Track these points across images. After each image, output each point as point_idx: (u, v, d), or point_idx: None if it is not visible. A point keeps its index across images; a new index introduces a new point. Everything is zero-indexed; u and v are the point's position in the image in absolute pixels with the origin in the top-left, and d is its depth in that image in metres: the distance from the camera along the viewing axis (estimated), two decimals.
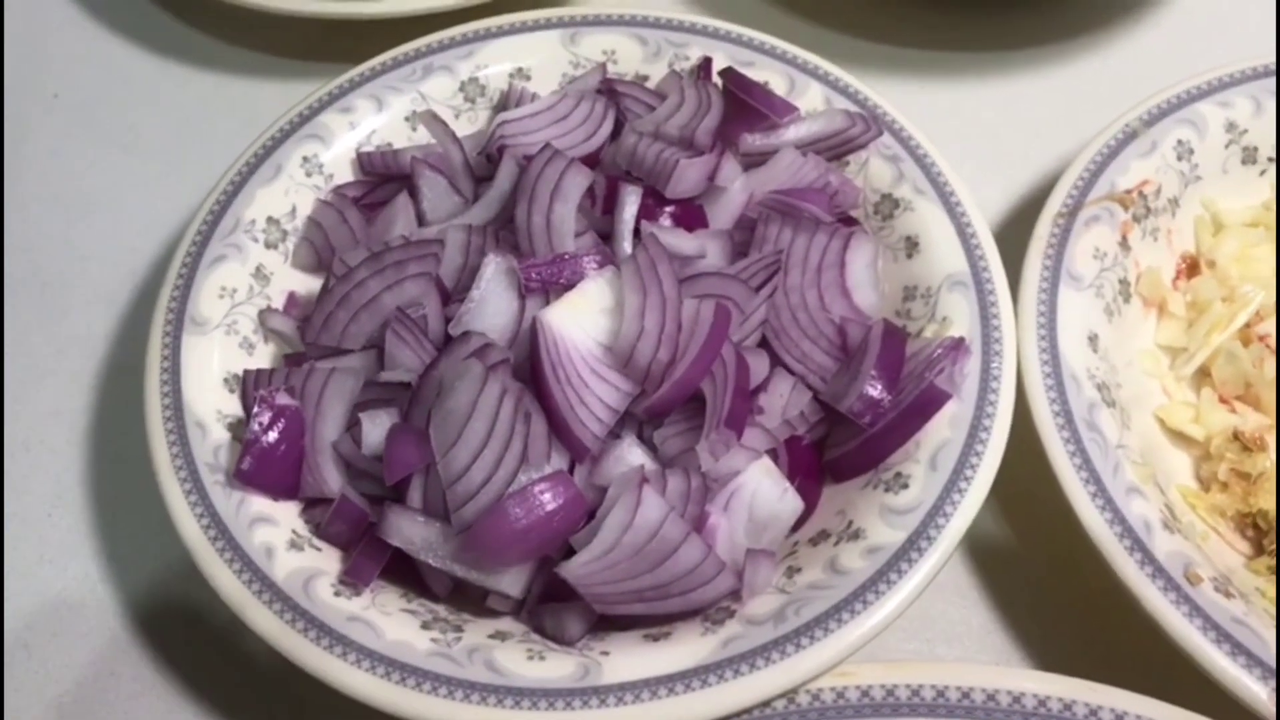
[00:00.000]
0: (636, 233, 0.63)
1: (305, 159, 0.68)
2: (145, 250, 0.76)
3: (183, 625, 0.62)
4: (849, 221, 0.66)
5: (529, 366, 0.57)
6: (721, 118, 0.67)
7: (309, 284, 0.67)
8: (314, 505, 0.59)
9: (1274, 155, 0.70)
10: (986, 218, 0.65)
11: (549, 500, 0.53)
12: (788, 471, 0.58)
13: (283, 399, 0.58)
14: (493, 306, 0.60)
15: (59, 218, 0.78)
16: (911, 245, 0.65)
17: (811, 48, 0.73)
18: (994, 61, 0.84)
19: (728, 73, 0.69)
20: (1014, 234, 0.67)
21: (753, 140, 0.67)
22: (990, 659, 0.61)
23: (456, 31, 0.73)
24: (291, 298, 0.66)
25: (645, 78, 0.73)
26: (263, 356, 0.63)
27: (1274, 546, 0.60)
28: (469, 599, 0.57)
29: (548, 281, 0.59)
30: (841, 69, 0.71)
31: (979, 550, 0.63)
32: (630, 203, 0.63)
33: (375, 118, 0.71)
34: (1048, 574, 0.63)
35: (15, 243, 0.77)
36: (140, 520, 0.65)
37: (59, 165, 0.81)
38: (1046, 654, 0.61)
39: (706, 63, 0.71)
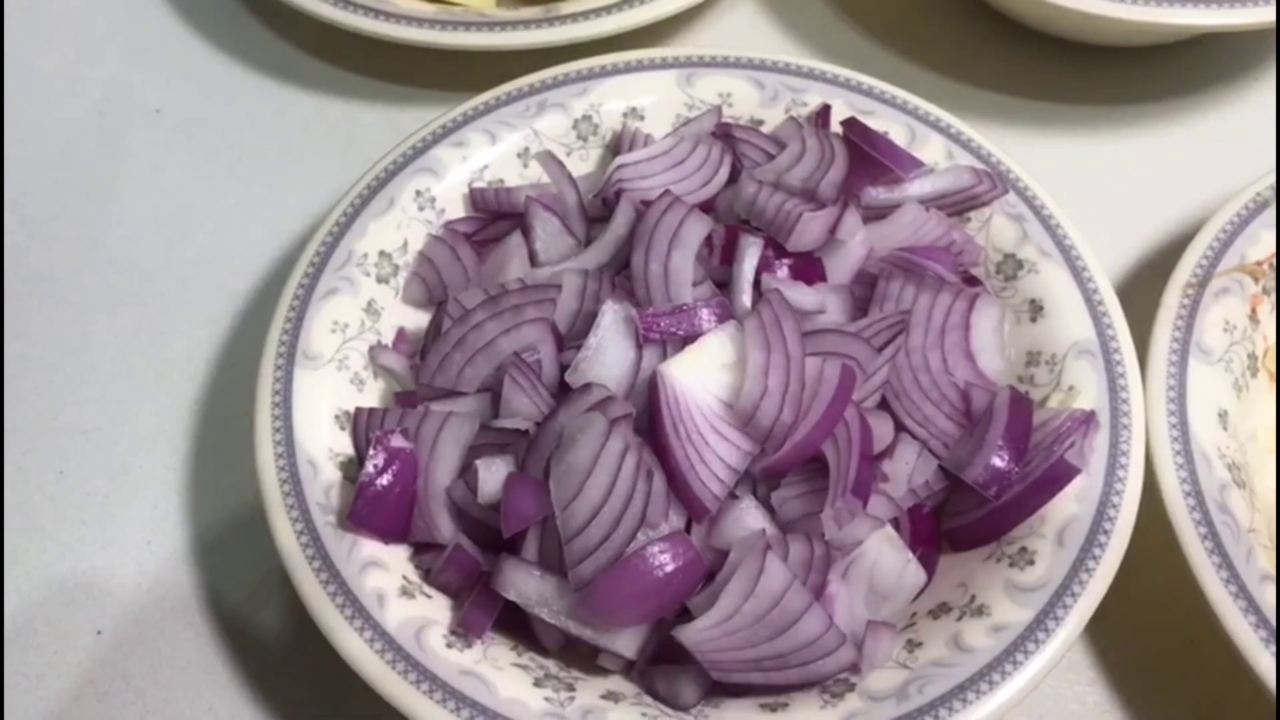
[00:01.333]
0: (756, 284, 0.61)
1: (418, 193, 0.68)
2: (246, 273, 0.75)
3: (283, 662, 0.61)
4: (971, 281, 0.65)
5: (647, 420, 0.56)
6: (846, 171, 0.65)
7: (417, 319, 0.66)
8: (422, 550, 0.58)
9: None
10: None
11: (668, 562, 0.52)
12: (910, 541, 0.56)
13: (398, 441, 0.57)
14: (610, 355, 0.59)
15: (160, 236, 0.78)
16: (1036, 309, 0.63)
17: (927, 94, 0.72)
18: (1107, 116, 0.83)
19: (851, 124, 0.68)
20: (1133, 298, 0.66)
21: (876, 194, 0.66)
22: None
23: (571, 68, 0.72)
24: (401, 333, 0.65)
25: (760, 122, 0.72)
26: (372, 393, 0.63)
27: None
28: (578, 654, 0.56)
29: (668, 333, 0.58)
30: (961, 120, 0.70)
31: (1095, 624, 0.61)
32: (751, 255, 0.62)
33: (487, 152, 0.70)
34: (1168, 653, 0.61)
35: (116, 260, 0.77)
36: (240, 551, 0.64)
37: (160, 182, 0.81)
38: None
39: (825, 110, 0.70)
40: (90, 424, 0.69)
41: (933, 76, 0.85)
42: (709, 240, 0.63)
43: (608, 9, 0.78)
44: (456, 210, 0.69)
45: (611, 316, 0.59)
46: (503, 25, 0.78)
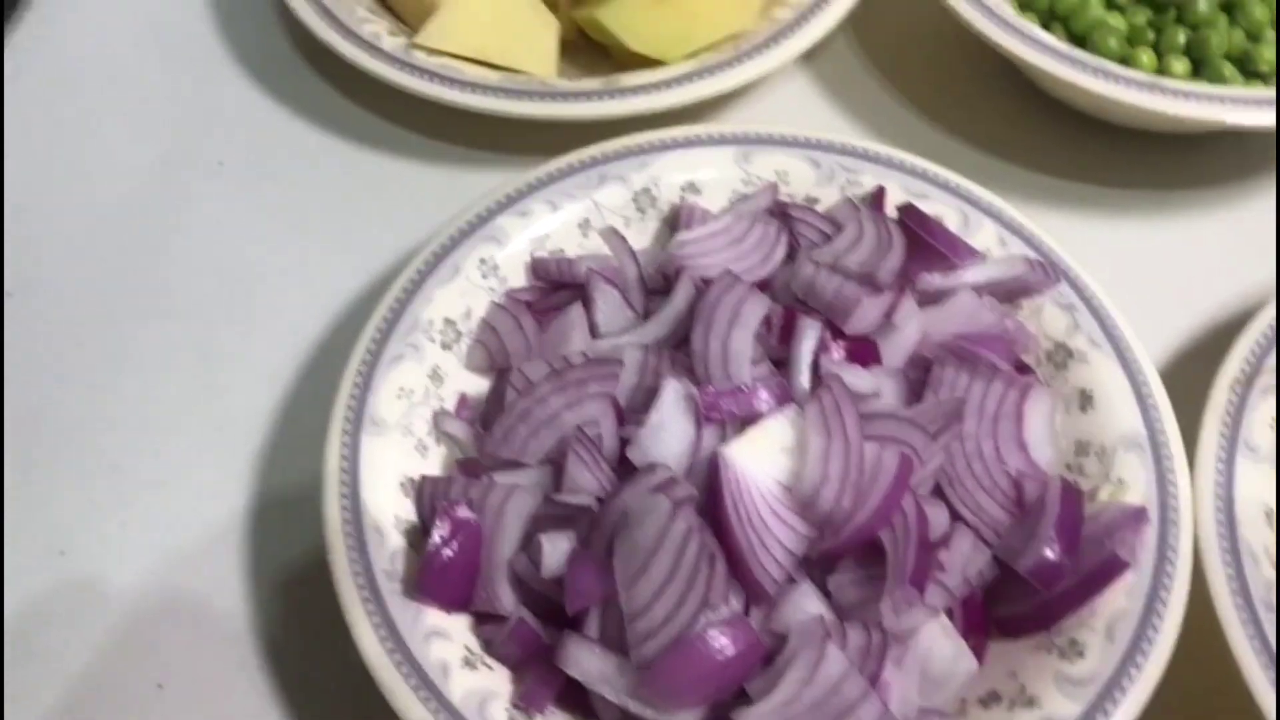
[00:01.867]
0: (813, 365, 0.63)
1: (482, 260, 0.69)
2: (308, 330, 0.77)
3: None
4: (1023, 369, 0.66)
5: (707, 500, 0.58)
6: (904, 257, 0.67)
7: (478, 385, 0.67)
8: (483, 619, 0.59)
9: None
10: None
11: (729, 645, 0.53)
12: (962, 629, 0.58)
13: (463, 512, 0.58)
14: (670, 433, 0.60)
15: (221, 289, 0.80)
16: (1085, 399, 0.64)
17: (974, 173, 0.73)
18: (1156, 200, 0.84)
19: (909, 210, 0.69)
20: (1180, 384, 0.67)
21: (931, 280, 0.67)
22: None
23: (632, 141, 0.74)
24: (463, 399, 0.67)
25: (815, 200, 0.73)
26: (435, 459, 0.64)
27: None
28: None
29: (728, 413, 0.60)
30: (1013, 205, 0.72)
31: (1142, 718, 0.62)
32: (810, 337, 0.63)
33: (548, 221, 0.71)
34: None
35: (175, 312, 0.78)
36: (301, 610, 0.66)
37: (222, 235, 0.82)
38: None
39: (880, 192, 0.72)
40: (154, 477, 0.71)
41: (980, 155, 0.86)
42: (767, 320, 0.64)
43: (666, 83, 0.80)
44: (518, 278, 0.70)
45: (673, 394, 0.60)
46: (564, 96, 0.80)
